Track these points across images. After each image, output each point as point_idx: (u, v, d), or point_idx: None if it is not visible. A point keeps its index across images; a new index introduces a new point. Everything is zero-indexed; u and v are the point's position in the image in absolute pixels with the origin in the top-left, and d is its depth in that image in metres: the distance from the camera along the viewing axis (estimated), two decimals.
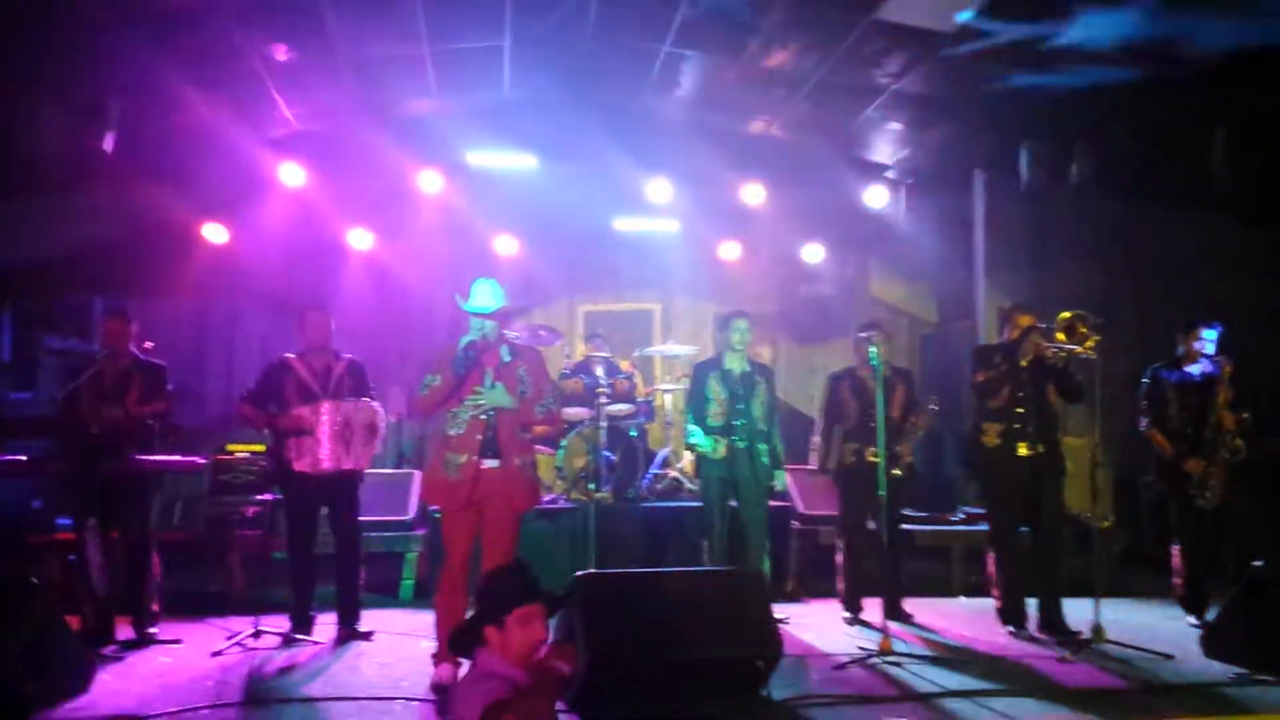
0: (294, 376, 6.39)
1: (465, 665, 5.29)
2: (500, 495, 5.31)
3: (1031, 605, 6.55)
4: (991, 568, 6.74)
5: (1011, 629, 6.56)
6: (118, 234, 9.78)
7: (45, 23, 7.07)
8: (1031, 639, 6.40)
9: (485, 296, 5.42)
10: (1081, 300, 8.73)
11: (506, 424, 5.35)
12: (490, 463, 5.29)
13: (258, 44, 7.99)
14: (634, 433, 9.12)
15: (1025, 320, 6.51)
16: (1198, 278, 9.01)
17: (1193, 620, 6.74)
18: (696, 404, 6.95)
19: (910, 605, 7.08)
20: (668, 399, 10.18)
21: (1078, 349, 6.19)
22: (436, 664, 5.34)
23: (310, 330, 6.52)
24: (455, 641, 3.60)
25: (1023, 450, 6.46)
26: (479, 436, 5.30)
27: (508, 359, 5.46)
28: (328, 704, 5.02)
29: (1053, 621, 6.43)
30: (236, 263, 10.15)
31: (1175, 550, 6.92)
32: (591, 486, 8.19)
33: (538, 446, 8.97)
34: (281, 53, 8.20)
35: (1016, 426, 6.48)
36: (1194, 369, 6.90)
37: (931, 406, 7.10)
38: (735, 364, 6.94)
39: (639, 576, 5.25)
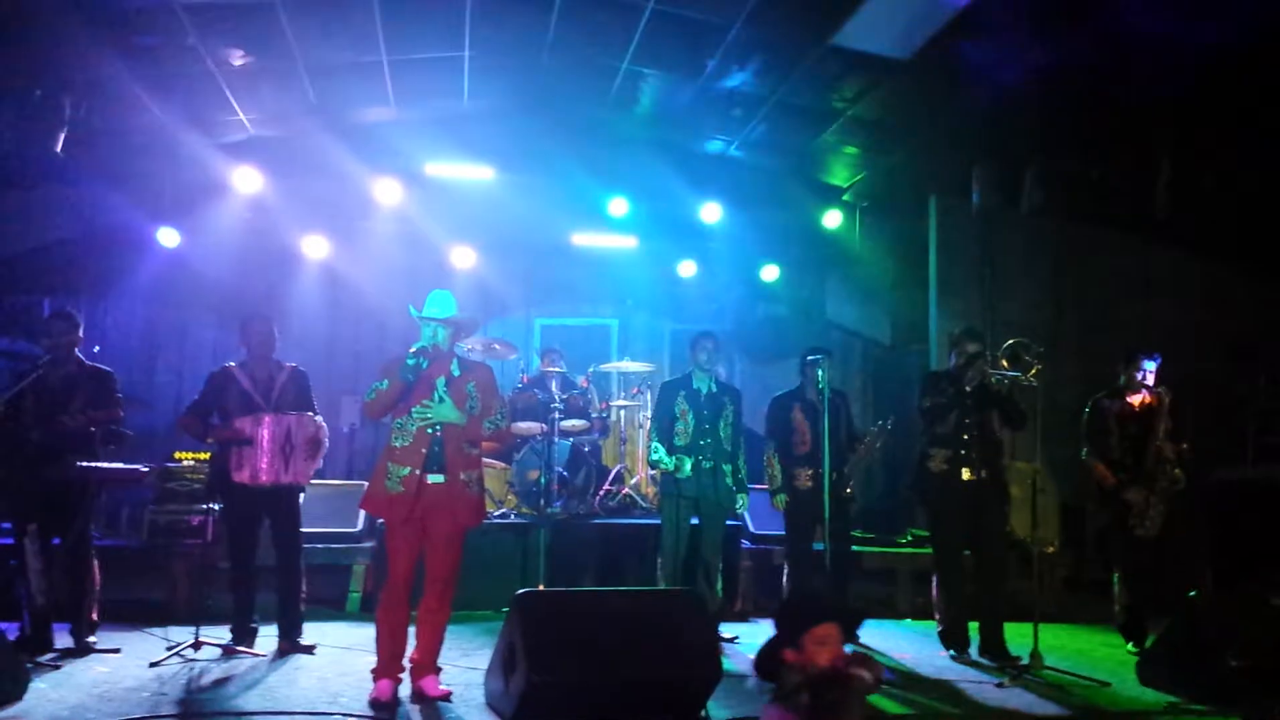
0: (236, 386, 6.32)
1: (405, 682, 5.33)
2: (444, 510, 5.24)
3: (974, 629, 6.60)
4: (935, 591, 6.79)
5: (953, 652, 6.61)
6: (68, 235, 9.70)
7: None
8: (972, 662, 6.44)
9: (438, 305, 5.38)
10: (1030, 325, 8.89)
11: (453, 438, 5.28)
12: (435, 477, 5.23)
13: (213, 47, 7.93)
14: (587, 448, 9.12)
15: (971, 347, 6.58)
16: (1143, 305, 9.14)
17: (1132, 648, 6.82)
18: (663, 422, 6.96)
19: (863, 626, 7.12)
20: (623, 415, 10.19)
21: (1021, 376, 6.26)
22: (376, 679, 5.27)
23: (253, 338, 6.46)
24: (758, 665, 3.75)
25: (967, 475, 6.51)
26: (424, 450, 5.23)
27: (457, 373, 5.41)
28: (263, 717, 4.95)
29: (994, 645, 6.47)
30: (189, 268, 10.05)
31: (1116, 578, 7.01)
32: (543, 502, 8.17)
33: (488, 461, 9.01)
34: (237, 57, 8.15)
35: (962, 452, 6.54)
36: (1134, 399, 6.99)
37: (885, 424, 7.17)
38: (703, 384, 6.97)
39: (580, 596, 5.24)
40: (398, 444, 5.28)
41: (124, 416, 6.47)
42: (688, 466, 6.78)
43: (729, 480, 6.91)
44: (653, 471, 8.80)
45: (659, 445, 6.85)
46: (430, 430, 5.26)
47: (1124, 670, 6.15)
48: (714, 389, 6.99)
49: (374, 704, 5.14)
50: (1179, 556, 7.14)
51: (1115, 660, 6.58)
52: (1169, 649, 5.73)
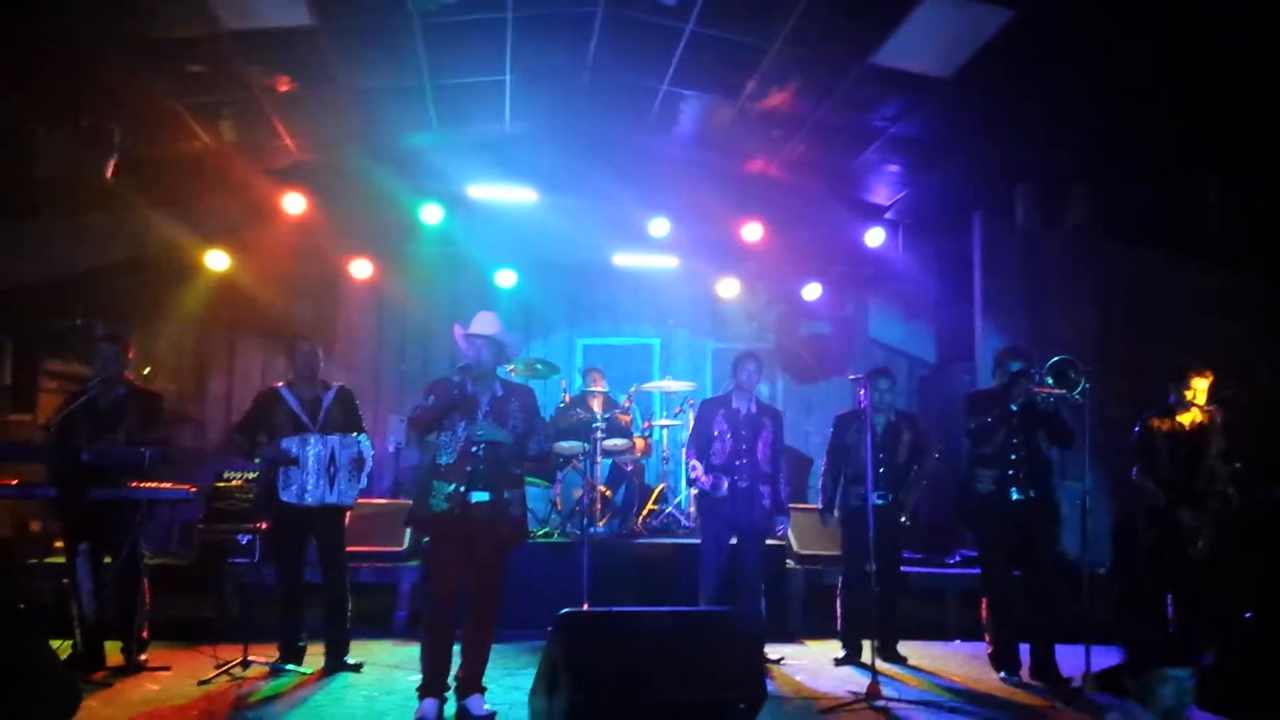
0: (284, 407, 6.40)
1: (450, 701, 5.34)
2: (487, 529, 5.31)
3: (1025, 650, 6.51)
4: (985, 613, 6.72)
5: (1004, 674, 6.50)
6: (120, 259, 9.85)
7: (49, 47, 7.14)
8: (1023, 685, 6.35)
9: (484, 322, 5.49)
10: (1078, 343, 8.79)
11: (497, 457, 5.35)
12: (479, 495, 5.29)
13: (259, 74, 8.07)
14: (630, 468, 9.11)
15: (1015, 365, 6.51)
16: (1192, 322, 9.00)
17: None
18: (701, 441, 6.94)
19: (905, 648, 7.05)
20: (665, 434, 10.18)
21: (1067, 394, 6.19)
22: (421, 698, 5.30)
23: (299, 360, 6.54)
24: (1102, 682, 3.78)
25: (1015, 495, 6.44)
26: (469, 468, 5.30)
27: (501, 393, 5.49)
28: None
29: (1045, 668, 6.37)
30: (237, 290, 10.21)
31: (1169, 599, 6.88)
32: (586, 521, 8.17)
33: (532, 480, 9.03)
34: (283, 83, 8.27)
35: (1010, 473, 6.46)
36: (1185, 417, 6.87)
37: (934, 454, 7.11)
38: (743, 404, 6.95)
39: (622, 616, 5.22)
40: (442, 461, 5.35)
41: (170, 438, 6.54)
42: (724, 486, 6.75)
43: (766, 502, 6.87)
44: (692, 490, 8.79)
45: (697, 465, 6.85)
46: (474, 449, 5.32)
47: None
48: (753, 410, 6.96)
49: None
50: (1233, 577, 6.99)
51: None
52: (1225, 671, 5.61)
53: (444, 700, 5.32)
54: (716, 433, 6.87)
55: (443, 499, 5.29)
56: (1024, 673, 6.46)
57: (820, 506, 7.43)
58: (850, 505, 7.06)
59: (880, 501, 6.77)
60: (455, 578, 5.35)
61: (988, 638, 6.67)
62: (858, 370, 7.06)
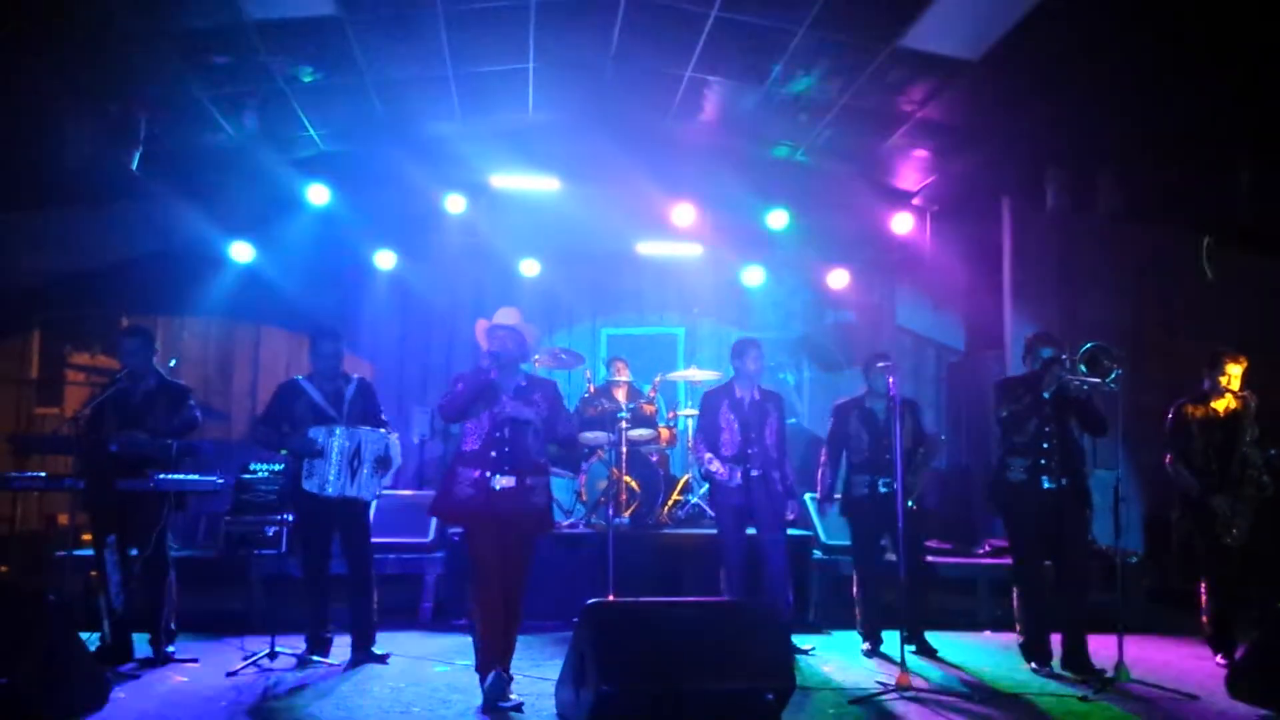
0: (306, 399, 6.40)
1: (513, 672, 5.37)
2: (512, 517, 5.35)
3: (1056, 641, 6.43)
4: (1016, 603, 6.64)
5: (1034, 665, 6.42)
6: (144, 251, 9.89)
7: (74, 38, 7.15)
8: (1055, 675, 6.27)
9: (506, 315, 5.60)
10: (1110, 329, 8.66)
11: (520, 444, 5.41)
12: (504, 480, 5.34)
13: (283, 64, 8.05)
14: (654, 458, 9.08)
15: (1047, 351, 6.42)
16: (1227, 309, 8.87)
17: (1220, 660, 6.59)
18: (709, 432, 6.90)
19: (936, 639, 6.97)
20: (690, 424, 10.13)
21: (1100, 381, 6.09)
22: (484, 673, 5.30)
23: (320, 355, 6.54)
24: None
25: (1047, 484, 6.34)
26: (493, 453, 5.37)
27: (524, 384, 5.57)
28: None
29: (1076, 658, 6.28)
30: (262, 281, 10.24)
31: (1203, 588, 6.79)
32: (611, 512, 8.14)
33: (555, 470, 9.01)
34: (307, 74, 8.26)
35: (1041, 461, 6.36)
36: (1219, 403, 6.77)
37: (940, 437, 7.03)
38: (746, 391, 6.89)
39: (650, 606, 5.19)
40: (467, 447, 5.43)
41: (197, 431, 6.55)
42: (738, 476, 6.70)
43: (779, 488, 6.82)
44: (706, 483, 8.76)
45: (709, 456, 6.82)
46: (499, 433, 5.39)
47: (1213, 683, 5.93)
48: (756, 397, 6.90)
49: (489, 702, 5.22)
50: (1268, 565, 6.88)
51: (1203, 673, 6.36)
52: (1260, 661, 5.51)
53: (508, 671, 5.34)
54: (723, 423, 6.82)
55: (468, 484, 5.34)
56: (1055, 664, 6.38)
57: (820, 497, 7.36)
58: (854, 495, 7.00)
59: (885, 490, 6.75)
60: (493, 558, 5.34)
61: (1019, 628, 6.60)
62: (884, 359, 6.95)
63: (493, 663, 5.29)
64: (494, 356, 5.39)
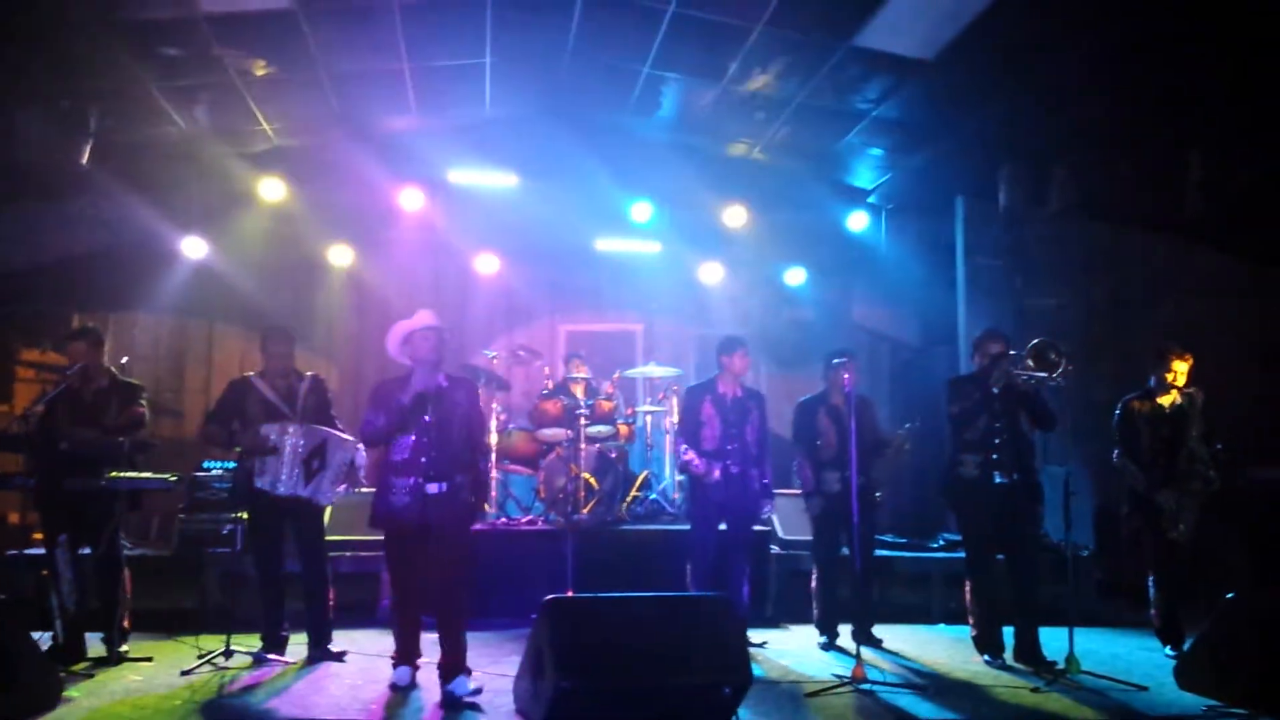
0: (257, 395, 6.35)
1: (423, 667, 5.55)
2: (445, 516, 5.48)
3: (1008, 634, 6.53)
4: (968, 596, 6.72)
5: (987, 658, 6.52)
6: (95, 246, 9.75)
7: (24, 30, 7.04)
8: (1007, 667, 6.36)
9: (424, 317, 5.71)
10: (1061, 325, 8.79)
11: (448, 448, 5.55)
12: (434, 487, 5.48)
13: (236, 57, 7.97)
14: (613, 454, 9.08)
15: (994, 348, 6.51)
16: (1175, 303, 9.02)
17: (1169, 652, 6.71)
18: (690, 428, 6.92)
19: (889, 632, 7.07)
20: (649, 420, 10.15)
21: (1047, 376, 6.18)
22: (395, 666, 5.69)
23: (272, 351, 6.49)
24: None
25: (998, 479, 6.42)
26: (423, 459, 5.49)
27: (446, 385, 5.67)
28: None
29: (1029, 650, 6.38)
30: (215, 278, 10.12)
31: (1151, 581, 6.91)
32: (570, 509, 8.14)
33: (514, 467, 9.00)
34: (260, 67, 8.18)
35: (994, 456, 6.45)
36: (1165, 399, 6.88)
37: (912, 426, 7.10)
38: (729, 389, 6.93)
39: (608, 602, 5.19)
40: (396, 457, 5.56)
41: (145, 428, 6.47)
42: (715, 472, 6.74)
43: (755, 486, 6.87)
44: (680, 477, 8.77)
45: (690, 449, 6.83)
46: (425, 439, 5.51)
47: (1161, 674, 6.05)
48: (739, 394, 6.95)
49: (393, 687, 5.55)
50: (1215, 559, 7.02)
51: (1152, 664, 6.48)
52: (1207, 652, 5.62)
53: (416, 668, 5.71)
54: (704, 419, 6.85)
55: (404, 492, 5.48)
56: (1007, 656, 6.48)
57: (803, 493, 7.40)
58: (823, 490, 7.05)
59: (841, 486, 6.81)
60: (413, 572, 5.58)
61: (971, 621, 6.68)
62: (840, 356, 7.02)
63: (406, 658, 5.68)
64: (408, 378, 5.53)
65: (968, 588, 6.70)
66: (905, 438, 7.07)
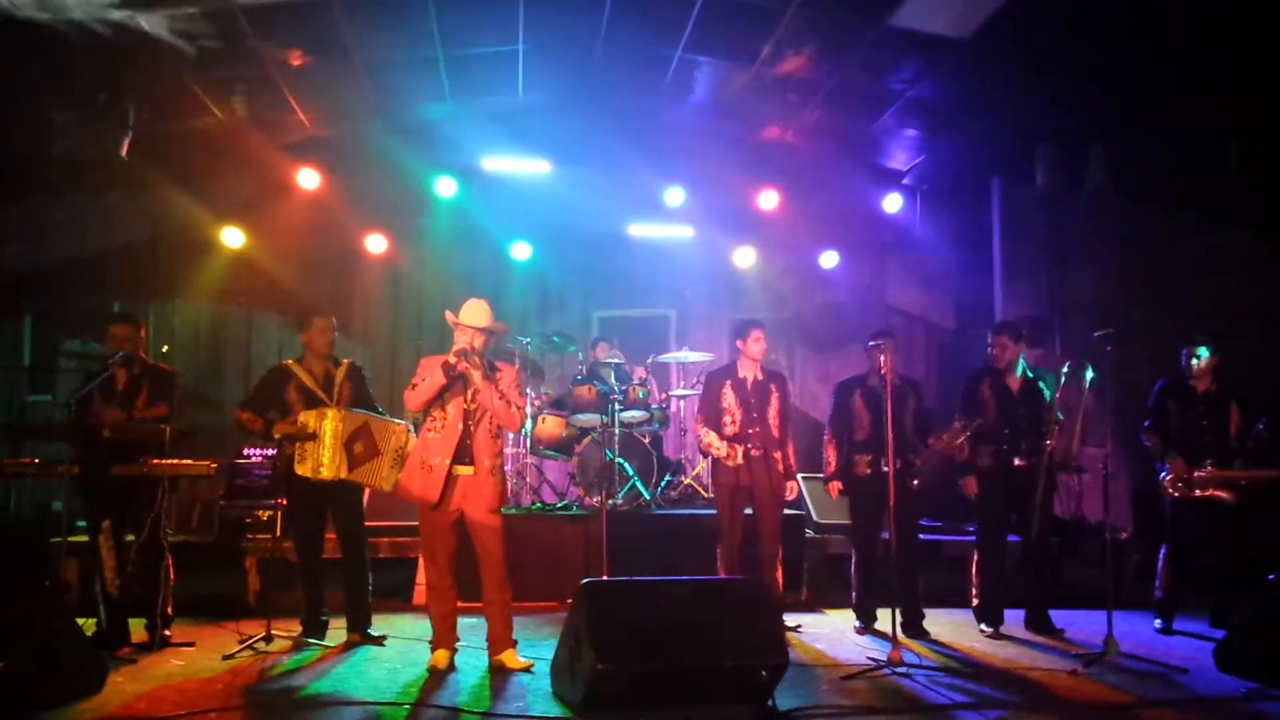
0: (296, 382, 6.41)
1: (460, 651, 5.68)
2: (474, 498, 5.62)
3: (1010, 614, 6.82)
4: (974, 571, 7.02)
5: (984, 626, 6.85)
6: (135, 237, 9.89)
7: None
8: (1045, 646, 6.42)
9: (474, 312, 5.75)
10: (1099, 307, 8.69)
11: (483, 432, 5.67)
12: (464, 469, 5.61)
13: (272, 48, 8.02)
14: (648, 439, 9.10)
15: (1005, 344, 6.90)
16: (1213, 285, 8.91)
17: (1158, 625, 6.99)
18: (711, 412, 6.92)
19: (931, 615, 7.00)
20: (682, 405, 10.16)
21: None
22: (433, 650, 5.77)
23: (315, 335, 6.53)
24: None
25: (1017, 463, 6.75)
26: (455, 442, 5.60)
27: (489, 373, 5.73)
28: (333, 708, 5.01)
29: (1038, 621, 6.88)
30: (253, 267, 10.23)
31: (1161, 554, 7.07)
32: (604, 493, 8.17)
33: (548, 452, 9.04)
34: (296, 57, 8.23)
35: (1004, 447, 6.80)
36: (1198, 382, 6.92)
37: (968, 425, 7.02)
38: (749, 372, 6.92)
39: (645, 584, 5.21)
40: (431, 435, 5.67)
41: (171, 413, 6.50)
42: (738, 455, 6.73)
43: (779, 467, 6.86)
44: (703, 460, 8.78)
45: (710, 434, 6.83)
46: (460, 425, 5.63)
47: (1201, 656, 6.00)
48: (760, 377, 6.93)
49: (431, 670, 5.64)
50: (1256, 540, 6.94)
51: (1191, 646, 6.44)
52: (1248, 634, 5.57)
53: (454, 651, 5.82)
54: (725, 403, 6.84)
55: (431, 470, 5.59)
56: (1007, 629, 6.78)
57: (823, 476, 7.35)
58: (856, 473, 7.04)
59: (886, 469, 6.73)
60: (449, 547, 5.71)
61: (974, 593, 6.99)
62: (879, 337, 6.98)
63: (443, 641, 5.77)
64: (462, 354, 5.56)
65: (975, 562, 7.06)
66: (958, 433, 6.95)
